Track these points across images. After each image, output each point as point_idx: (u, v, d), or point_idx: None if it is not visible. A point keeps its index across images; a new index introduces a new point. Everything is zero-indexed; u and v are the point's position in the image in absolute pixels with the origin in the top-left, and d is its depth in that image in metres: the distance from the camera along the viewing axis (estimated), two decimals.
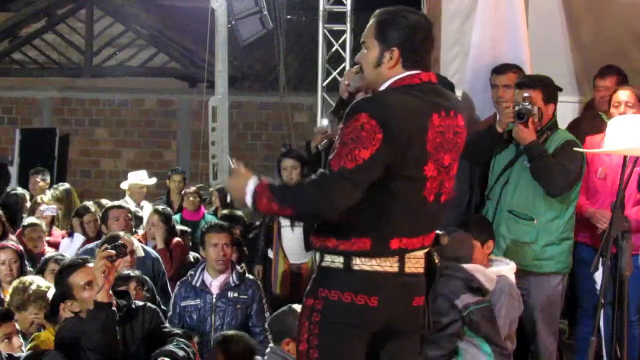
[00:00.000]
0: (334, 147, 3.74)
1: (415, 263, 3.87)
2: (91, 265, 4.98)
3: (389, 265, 3.79)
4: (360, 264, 3.77)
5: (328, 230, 3.82)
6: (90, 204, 8.81)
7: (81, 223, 8.38)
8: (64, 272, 5.01)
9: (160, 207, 8.72)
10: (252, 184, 3.82)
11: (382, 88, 3.87)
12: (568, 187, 5.82)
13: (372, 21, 3.92)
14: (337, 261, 3.80)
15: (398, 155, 3.67)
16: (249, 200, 3.82)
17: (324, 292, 3.80)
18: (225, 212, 9.59)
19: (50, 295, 5.62)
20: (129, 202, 10.46)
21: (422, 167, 3.76)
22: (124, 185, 11.43)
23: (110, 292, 4.81)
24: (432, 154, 3.76)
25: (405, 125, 3.67)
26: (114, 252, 4.76)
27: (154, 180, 11.44)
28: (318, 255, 3.90)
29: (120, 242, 4.98)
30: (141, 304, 5.19)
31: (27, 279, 5.90)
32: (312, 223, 3.91)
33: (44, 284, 5.79)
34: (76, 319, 4.94)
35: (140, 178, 11.25)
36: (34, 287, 5.67)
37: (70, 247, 8.16)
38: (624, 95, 6.26)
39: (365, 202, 3.70)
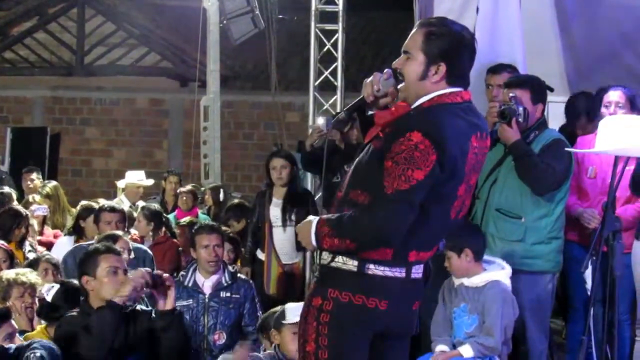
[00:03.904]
0: (384, 167, 3.66)
1: (418, 268, 3.90)
2: (125, 257, 5.33)
3: (398, 270, 3.81)
4: (374, 268, 3.77)
5: None
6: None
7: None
8: (99, 250, 5.16)
9: (147, 210, 8.65)
10: (313, 225, 3.80)
11: (420, 101, 3.79)
12: (554, 185, 5.81)
13: (417, 30, 3.83)
14: (350, 263, 3.79)
15: (443, 176, 3.66)
16: (314, 243, 3.80)
17: (334, 293, 3.80)
18: (235, 201, 9.61)
19: (43, 288, 5.65)
20: (123, 201, 10.50)
21: (457, 187, 3.77)
22: (121, 184, 11.43)
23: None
24: (466, 174, 3.77)
25: (454, 147, 3.65)
26: (150, 279, 4.87)
27: (151, 181, 11.45)
28: (327, 253, 3.86)
29: (159, 278, 5.01)
30: (141, 307, 5.25)
31: (4, 272, 5.92)
32: (375, 248, 3.79)
33: (22, 271, 5.80)
34: (80, 314, 5.04)
35: (137, 178, 11.26)
36: (11, 275, 5.68)
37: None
38: (614, 95, 6.26)
39: None
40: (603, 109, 6.27)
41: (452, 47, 3.76)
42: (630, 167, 5.82)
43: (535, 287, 5.93)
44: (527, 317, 5.91)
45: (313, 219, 3.84)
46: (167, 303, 5.01)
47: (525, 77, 6.15)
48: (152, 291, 5.04)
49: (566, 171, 5.87)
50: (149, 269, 5.12)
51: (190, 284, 6.44)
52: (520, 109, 5.79)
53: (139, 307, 5.21)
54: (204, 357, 6.30)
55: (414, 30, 3.85)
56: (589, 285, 5.24)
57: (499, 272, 5.63)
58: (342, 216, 3.74)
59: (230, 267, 6.62)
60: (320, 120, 9.29)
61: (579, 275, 5.71)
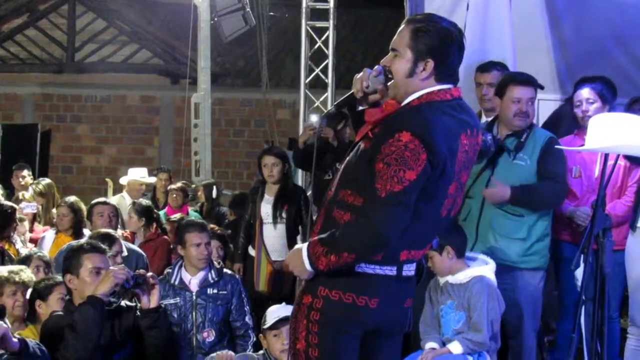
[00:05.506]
0: (375, 169, 3.64)
1: (410, 267, 3.89)
2: (110, 254, 5.33)
3: (389, 269, 3.80)
4: (364, 266, 3.76)
5: None
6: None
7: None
8: (83, 248, 5.14)
9: (139, 206, 8.66)
10: (304, 250, 3.76)
11: (410, 98, 3.77)
12: (566, 190, 5.94)
13: (404, 27, 3.80)
14: None
15: (433, 175, 3.64)
16: (309, 268, 3.74)
17: (324, 291, 3.79)
18: (236, 192, 9.62)
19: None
20: (125, 198, 10.57)
21: (447, 185, 3.75)
22: (123, 181, 11.46)
23: None
24: (457, 173, 3.76)
25: (443, 147, 3.63)
26: (132, 280, 4.91)
27: (153, 179, 11.47)
28: None
29: (142, 278, 5.02)
30: (125, 303, 5.24)
31: None
32: (375, 254, 3.77)
33: (16, 269, 5.79)
34: (64, 312, 5.03)
35: (140, 175, 11.30)
36: (4, 273, 5.67)
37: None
38: (583, 92, 6.25)
39: None
40: (575, 109, 6.28)
41: (440, 43, 3.73)
42: (620, 163, 5.83)
43: (531, 284, 5.95)
44: (523, 313, 5.93)
45: (301, 245, 3.81)
46: (151, 301, 5.00)
47: (528, 75, 6.13)
48: (134, 291, 5.04)
49: (566, 171, 5.93)
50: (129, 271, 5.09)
51: (176, 282, 6.41)
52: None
53: (123, 303, 5.20)
54: (195, 355, 6.30)
55: (401, 27, 3.83)
56: (579, 283, 5.25)
57: (483, 267, 5.63)
58: (334, 232, 3.71)
59: (216, 263, 6.60)
60: (314, 118, 9.32)
61: (570, 274, 5.73)
